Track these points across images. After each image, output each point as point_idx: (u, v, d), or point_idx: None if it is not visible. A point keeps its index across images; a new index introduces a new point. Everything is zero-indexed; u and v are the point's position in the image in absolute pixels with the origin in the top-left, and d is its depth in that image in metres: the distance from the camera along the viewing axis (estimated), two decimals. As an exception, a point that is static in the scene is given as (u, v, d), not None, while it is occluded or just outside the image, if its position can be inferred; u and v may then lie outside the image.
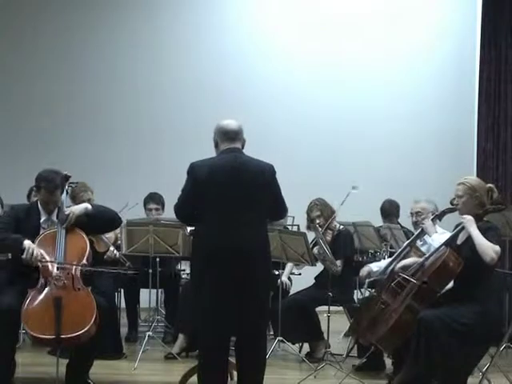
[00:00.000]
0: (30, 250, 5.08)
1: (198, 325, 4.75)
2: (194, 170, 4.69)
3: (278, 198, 4.84)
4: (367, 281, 6.89)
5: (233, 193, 4.64)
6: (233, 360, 4.81)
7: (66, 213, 5.30)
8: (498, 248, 4.89)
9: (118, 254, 6.68)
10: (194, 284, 4.90)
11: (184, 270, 7.52)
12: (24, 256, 5.07)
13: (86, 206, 5.41)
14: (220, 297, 4.60)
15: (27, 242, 5.12)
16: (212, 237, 4.63)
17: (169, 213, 7.44)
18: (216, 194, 4.64)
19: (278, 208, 4.90)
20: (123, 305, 7.30)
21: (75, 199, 6.58)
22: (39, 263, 5.12)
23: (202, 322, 4.69)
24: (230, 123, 4.80)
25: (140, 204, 7.38)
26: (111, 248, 6.62)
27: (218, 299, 4.60)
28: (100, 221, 5.41)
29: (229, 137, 4.76)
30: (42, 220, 5.40)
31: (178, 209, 4.80)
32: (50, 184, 5.30)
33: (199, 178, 4.65)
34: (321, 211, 6.74)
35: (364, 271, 6.02)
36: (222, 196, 4.64)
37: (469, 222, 4.98)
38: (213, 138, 4.84)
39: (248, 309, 4.64)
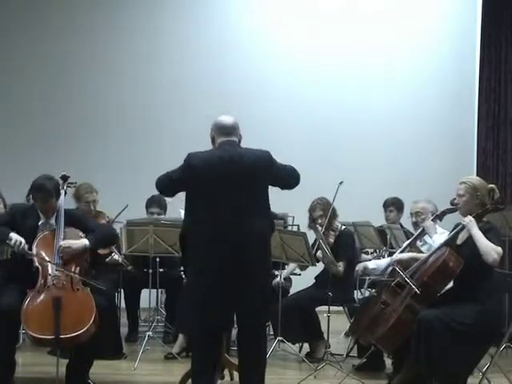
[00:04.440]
0: (18, 241, 5.12)
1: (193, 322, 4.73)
2: (190, 159, 4.71)
3: (282, 171, 4.86)
4: (367, 281, 6.88)
5: (232, 182, 4.63)
6: (233, 360, 4.80)
7: (64, 245, 5.21)
8: (499, 249, 4.91)
9: (120, 258, 6.68)
10: (190, 277, 4.84)
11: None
12: (12, 243, 5.11)
13: (85, 243, 5.29)
14: (219, 291, 4.57)
15: (13, 234, 5.16)
16: (210, 228, 4.59)
17: (169, 212, 7.44)
18: (214, 184, 4.63)
19: (289, 177, 4.91)
20: (123, 305, 7.29)
21: (80, 200, 6.60)
22: (38, 264, 5.14)
23: (197, 318, 4.65)
24: (226, 118, 4.85)
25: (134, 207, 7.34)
26: (116, 256, 6.63)
27: (216, 294, 4.56)
28: (99, 247, 5.77)
29: (225, 131, 4.80)
30: (40, 223, 5.41)
31: (160, 181, 4.85)
32: (42, 194, 5.34)
33: (196, 166, 4.66)
34: (323, 211, 6.69)
35: (360, 266, 6.01)
36: (221, 186, 4.62)
37: (470, 223, 4.99)
38: (210, 134, 4.88)
39: (247, 304, 4.63)
